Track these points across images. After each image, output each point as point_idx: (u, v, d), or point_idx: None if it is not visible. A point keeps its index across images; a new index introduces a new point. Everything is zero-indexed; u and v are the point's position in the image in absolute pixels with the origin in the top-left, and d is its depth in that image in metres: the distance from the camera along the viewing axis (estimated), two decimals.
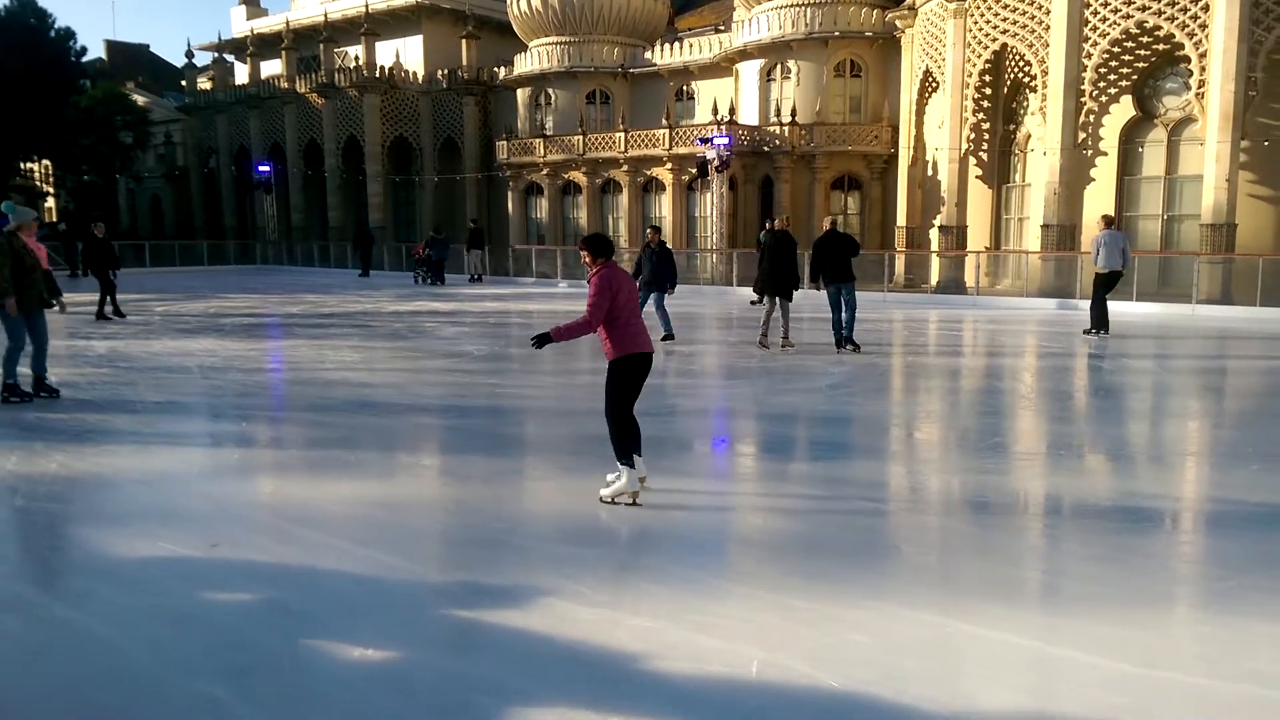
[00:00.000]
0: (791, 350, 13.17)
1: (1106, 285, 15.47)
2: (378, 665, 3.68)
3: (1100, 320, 15.46)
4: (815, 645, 3.79)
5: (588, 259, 5.68)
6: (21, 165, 56.00)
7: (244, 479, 6.86)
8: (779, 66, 33.10)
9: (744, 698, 3.38)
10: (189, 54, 52.31)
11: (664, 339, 13.75)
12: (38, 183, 58.51)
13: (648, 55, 37.73)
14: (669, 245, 15.97)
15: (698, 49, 36.46)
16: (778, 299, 13.22)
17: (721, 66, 35.64)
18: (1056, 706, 3.29)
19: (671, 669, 3.58)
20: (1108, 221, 15.78)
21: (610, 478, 5.76)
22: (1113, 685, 3.46)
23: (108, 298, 18.11)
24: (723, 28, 37.45)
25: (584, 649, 3.77)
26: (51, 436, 7.80)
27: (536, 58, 38.35)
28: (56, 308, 9.92)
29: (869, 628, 3.96)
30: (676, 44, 37.40)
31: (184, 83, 53.24)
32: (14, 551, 5.10)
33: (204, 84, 52.70)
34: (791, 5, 31.94)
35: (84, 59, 53.82)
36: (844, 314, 13.16)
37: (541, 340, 5.49)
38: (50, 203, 60.45)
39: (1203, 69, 21.58)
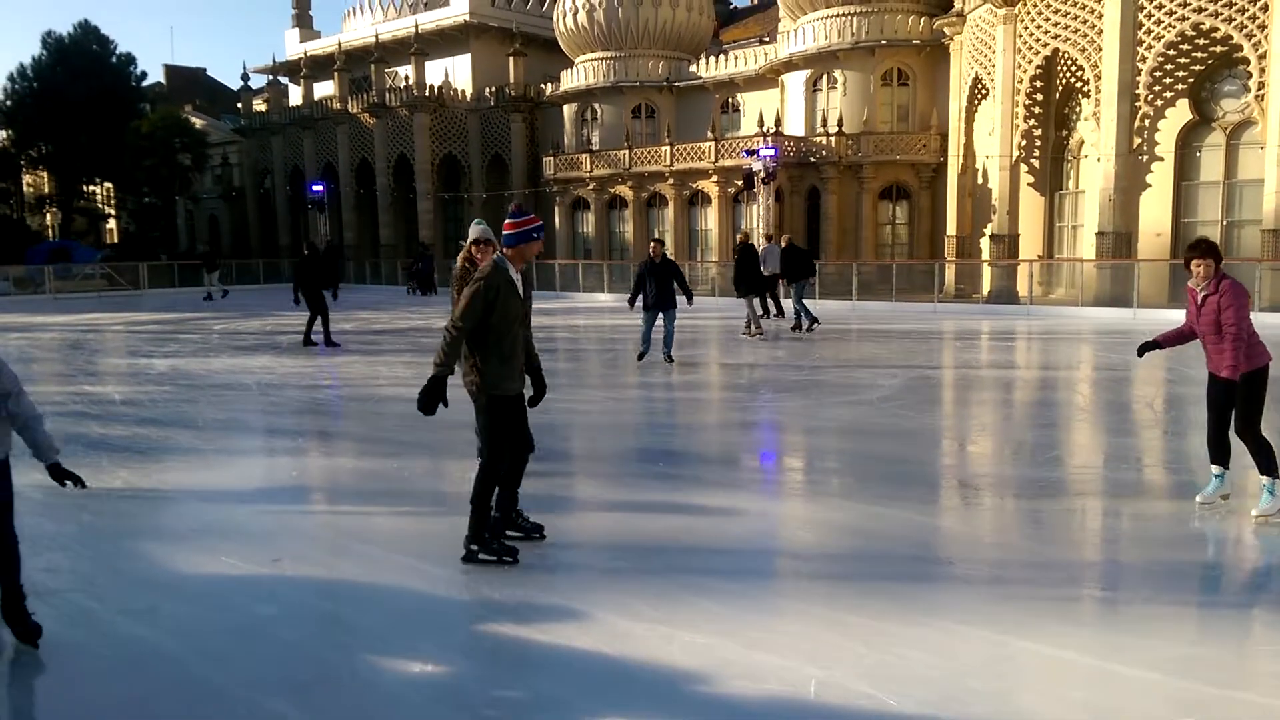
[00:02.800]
0: (760, 337, 16.59)
1: (771, 286, 19.99)
2: (435, 680, 3.72)
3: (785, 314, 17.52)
4: (873, 663, 3.76)
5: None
6: (85, 187, 57.84)
7: (302, 494, 6.99)
8: (825, 76, 32.97)
9: (804, 717, 3.36)
10: (244, 77, 53.63)
11: (666, 359, 13.09)
12: (100, 204, 60.33)
13: (693, 68, 37.84)
14: (671, 258, 14.68)
15: (743, 61, 36.47)
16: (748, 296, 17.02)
17: (767, 78, 35.61)
18: (1108, 713, 3.23)
19: (729, 688, 3.57)
20: (768, 238, 21.44)
21: None
22: (1179, 704, 3.38)
23: (317, 319, 16.14)
24: (768, 39, 37.44)
25: (640, 665, 3.78)
26: (115, 453, 8.01)
27: (582, 73, 38.66)
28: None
29: (927, 645, 3.91)
30: (721, 56, 37.46)
31: (240, 105, 54.60)
32: (82, 566, 5.24)
33: (259, 106, 53.94)
34: (838, 15, 31.82)
35: (144, 83, 55.56)
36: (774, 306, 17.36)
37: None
38: (111, 224, 62.24)
39: (1262, 70, 21.07)
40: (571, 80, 39.20)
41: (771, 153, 28.43)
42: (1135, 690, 3.50)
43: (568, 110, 40.07)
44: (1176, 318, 20.45)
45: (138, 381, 12.54)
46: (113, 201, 59.28)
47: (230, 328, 21.15)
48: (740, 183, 31.21)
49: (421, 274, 34.30)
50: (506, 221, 4.92)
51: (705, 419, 10.37)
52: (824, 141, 32.31)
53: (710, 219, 35.39)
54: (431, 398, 4.66)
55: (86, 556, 5.44)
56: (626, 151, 36.34)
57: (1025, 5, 25.04)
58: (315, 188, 41.21)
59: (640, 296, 13.04)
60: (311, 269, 16.32)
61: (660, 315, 13.02)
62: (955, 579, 4.90)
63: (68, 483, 4.31)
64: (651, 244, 13.42)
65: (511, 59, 42.13)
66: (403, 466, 7.51)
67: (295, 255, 44.33)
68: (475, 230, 6.01)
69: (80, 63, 50.39)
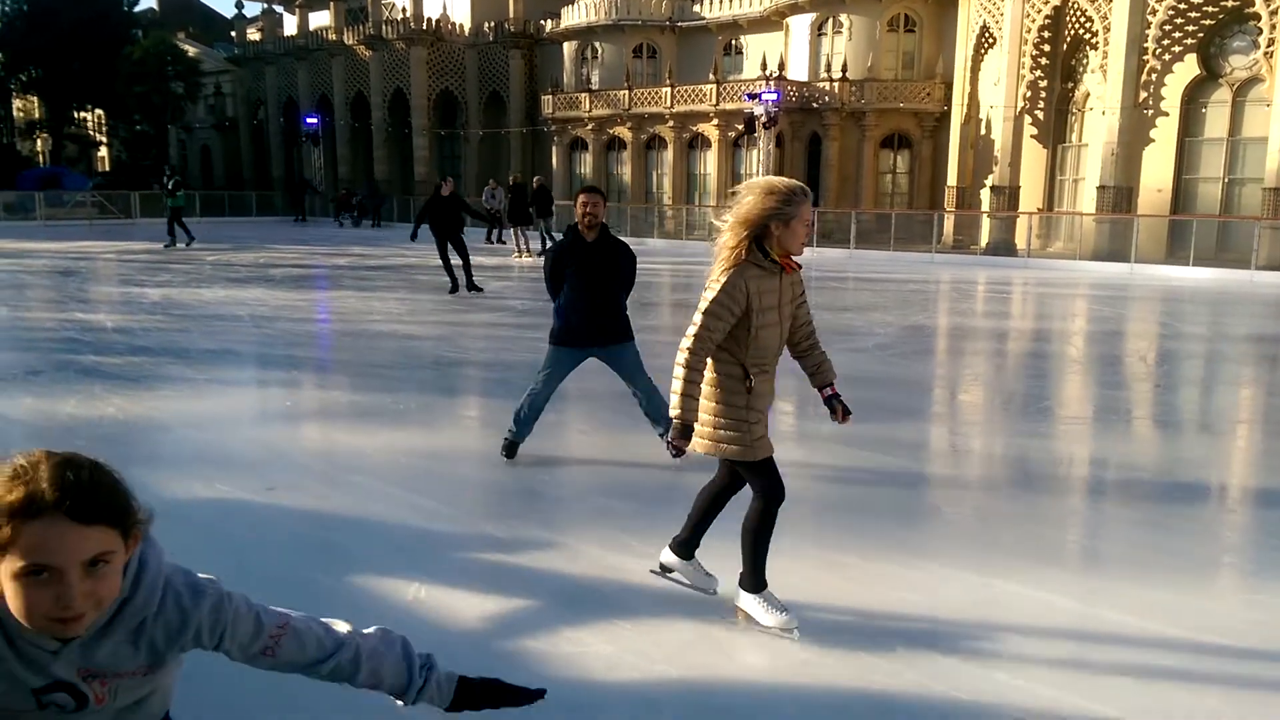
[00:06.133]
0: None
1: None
2: (429, 606, 3.77)
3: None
4: (860, 602, 3.82)
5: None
6: (76, 114, 56.97)
7: (294, 425, 7.01)
8: (830, 20, 32.43)
9: (790, 649, 3.42)
10: (239, 4, 52.56)
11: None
12: (91, 132, 59.48)
13: (696, 8, 37.16)
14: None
15: (747, 2, 35.82)
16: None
17: (771, 20, 35.00)
18: (1098, 663, 3.29)
19: (715, 621, 3.62)
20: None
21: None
22: (1152, 645, 3.45)
23: (463, 265, 14.46)
24: None
25: (628, 596, 3.83)
26: (108, 380, 8.00)
27: (583, 10, 37.95)
28: None
29: (914, 586, 3.97)
30: None
31: (234, 33, 53.54)
32: None
33: (253, 35, 52.95)
34: None
35: (136, 8, 54.44)
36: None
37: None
38: (103, 151, 61.43)
39: (1273, 26, 20.79)
40: (572, 17, 38.49)
41: (774, 97, 28.07)
42: (1113, 631, 3.56)
43: (568, 48, 39.41)
44: (1174, 274, 20.49)
45: (130, 310, 12.49)
46: (104, 129, 58.46)
47: (223, 259, 21.01)
48: (741, 127, 30.87)
49: (360, 206, 37.52)
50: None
51: None
52: (827, 87, 31.89)
53: (710, 163, 35.04)
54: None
55: None
56: (626, 92, 35.84)
57: None
58: (309, 120, 40.64)
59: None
60: (443, 211, 14.49)
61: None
62: (943, 523, 4.96)
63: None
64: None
65: None
66: (396, 400, 7.52)
67: (288, 188, 43.94)
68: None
69: None
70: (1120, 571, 4.20)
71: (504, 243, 25.36)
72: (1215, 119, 23.53)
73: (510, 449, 5.59)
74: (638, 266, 5.77)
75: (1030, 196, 26.87)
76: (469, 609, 3.77)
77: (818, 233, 26.61)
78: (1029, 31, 25.26)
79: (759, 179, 3.49)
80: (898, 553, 4.34)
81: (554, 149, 38.89)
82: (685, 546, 3.81)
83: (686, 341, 3.34)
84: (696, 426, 3.43)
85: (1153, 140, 23.79)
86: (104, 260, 20.98)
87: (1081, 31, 25.30)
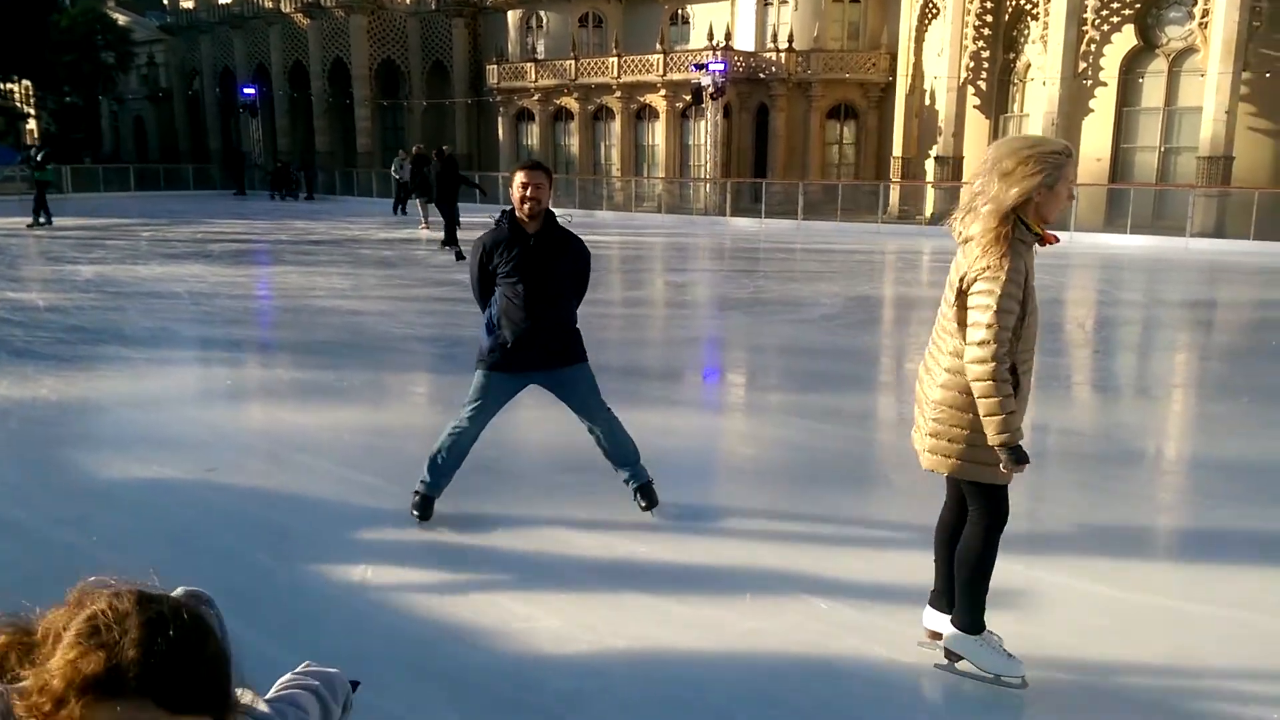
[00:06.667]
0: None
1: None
2: (375, 586, 3.73)
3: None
4: (807, 570, 3.86)
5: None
6: (2, 86, 54.81)
7: (236, 405, 6.87)
8: None
9: (736, 619, 3.44)
10: None
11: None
12: (18, 103, 57.31)
13: None
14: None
15: None
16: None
17: None
18: (1039, 625, 3.37)
19: (666, 593, 3.64)
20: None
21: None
22: (1091, 605, 3.54)
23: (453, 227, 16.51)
24: None
25: (578, 571, 3.83)
26: (42, 361, 7.77)
27: None
28: None
29: (860, 553, 4.02)
30: None
31: (165, 1, 51.80)
32: (11, 476, 5.11)
33: (186, 3, 51.27)
34: None
35: None
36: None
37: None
38: (31, 124, 59.28)
39: None
40: None
41: (721, 67, 27.99)
42: (1053, 593, 3.65)
43: (512, 17, 38.80)
44: (1112, 243, 20.88)
45: (63, 289, 12.11)
46: (32, 100, 56.35)
47: (159, 235, 20.46)
48: (689, 98, 30.76)
49: (288, 180, 36.91)
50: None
51: (648, 335, 10.38)
52: (774, 58, 31.86)
53: (658, 134, 34.86)
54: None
55: (13, 466, 5.30)
56: (573, 62, 35.43)
57: None
58: (246, 91, 39.56)
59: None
60: (449, 176, 16.47)
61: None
62: (891, 490, 5.03)
63: None
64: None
65: None
66: (341, 377, 7.41)
67: (226, 161, 42.78)
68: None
69: None
70: (1059, 534, 4.30)
71: (407, 214, 24.98)
72: (1152, 89, 23.98)
73: (424, 507, 4.30)
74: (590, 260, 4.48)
75: (974, 166, 26.79)
76: (417, 587, 3.74)
77: (765, 205, 26.72)
78: (971, 2, 25.46)
79: (1009, 140, 2.98)
80: (843, 521, 4.39)
81: (500, 120, 38.38)
82: (946, 596, 3.15)
83: (982, 352, 2.72)
84: (937, 442, 2.94)
85: (1092, 110, 24.19)
86: (34, 236, 20.28)
87: (1023, 2, 25.55)
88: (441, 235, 16.64)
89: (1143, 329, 11.01)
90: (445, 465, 4.31)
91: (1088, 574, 3.80)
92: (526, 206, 4.10)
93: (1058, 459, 5.78)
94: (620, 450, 4.38)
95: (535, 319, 4.15)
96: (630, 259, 18.34)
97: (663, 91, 33.78)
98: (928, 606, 3.24)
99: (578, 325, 4.39)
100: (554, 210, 4.29)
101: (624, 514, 4.38)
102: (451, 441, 4.31)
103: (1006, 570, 3.84)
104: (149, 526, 4.31)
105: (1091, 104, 24.16)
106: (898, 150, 29.41)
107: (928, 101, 28.56)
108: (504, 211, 4.25)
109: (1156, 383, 8.18)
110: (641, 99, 34.82)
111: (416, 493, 4.33)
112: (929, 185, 27.33)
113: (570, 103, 36.31)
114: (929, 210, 26.64)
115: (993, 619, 3.09)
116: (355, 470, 5.06)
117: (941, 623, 3.13)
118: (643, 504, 4.34)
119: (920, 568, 3.87)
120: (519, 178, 4.14)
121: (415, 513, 4.30)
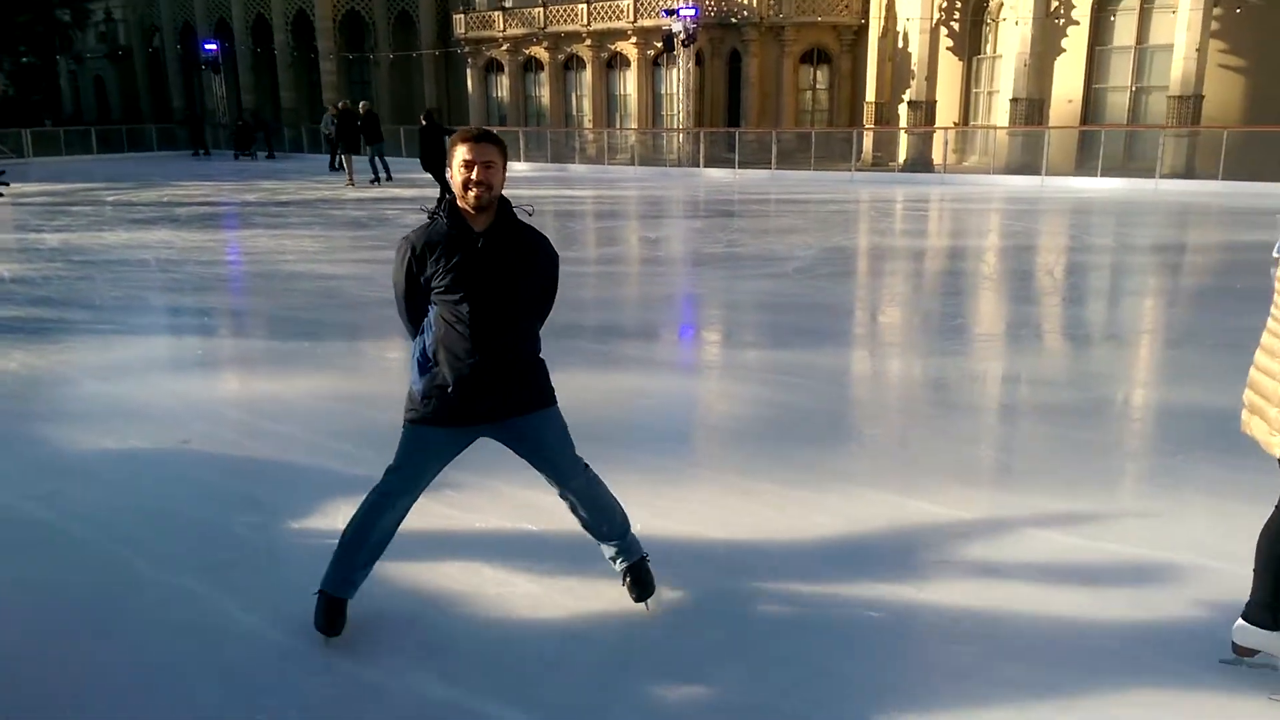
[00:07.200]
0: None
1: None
2: None
3: None
4: (782, 527, 3.92)
5: None
6: None
7: (209, 374, 6.83)
8: None
9: (712, 577, 3.50)
10: None
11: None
12: None
13: None
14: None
15: None
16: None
17: None
18: (1008, 575, 3.45)
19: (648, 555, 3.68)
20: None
21: None
22: (1056, 552, 3.63)
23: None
24: None
25: (554, 537, 3.86)
26: (8, 334, 7.67)
27: None
28: None
29: (834, 509, 4.08)
30: None
31: None
32: None
33: None
34: None
35: None
36: None
37: None
38: None
39: None
40: None
41: (692, 12, 27.60)
42: (1021, 543, 3.73)
43: None
44: (1083, 186, 20.97)
45: (28, 258, 11.91)
46: None
47: (124, 199, 20.10)
48: (660, 44, 30.36)
49: (250, 139, 36.24)
50: None
51: (623, 293, 10.37)
52: (746, 1, 31.45)
53: (630, 83, 34.45)
54: None
55: None
56: (541, 10, 34.84)
57: None
58: (208, 47, 38.69)
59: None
60: (435, 139, 16.39)
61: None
62: (864, 445, 5.10)
63: None
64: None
65: None
66: (316, 344, 7.37)
67: (188, 120, 41.89)
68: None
69: None
70: (1029, 484, 4.38)
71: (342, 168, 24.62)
72: (1124, 27, 23.90)
73: (331, 614, 3.07)
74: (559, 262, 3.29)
75: (947, 110, 27.10)
76: (395, 554, 3.76)
77: (739, 155, 26.55)
78: None
79: None
80: (817, 477, 4.45)
81: (469, 72, 37.77)
82: (1269, 611, 2.77)
83: None
84: (1262, 422, 2.68)
85: (1064, 50, 24.10)
86: None
87: None
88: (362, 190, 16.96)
89: (1111, 275, 11.11)
90: (364, 553, 3.13)
91: (1053, 523, 3.88)
92: (472, 194, 2.89)
93: (1028, 410, 5.87)
94: (602, 519, 3.29)
95: (485, 351, 2.98)
96: (604, 214, 18.23)
97: (634, 39, 33.33)
98: (1240, 621, 2.82)
99: (541, 355, 3.18)
100: (508, 197, 3.04)
101: (597, 471, 4.41)
102: (372, 521, 3.13)
103: (972, 521, 3.93)
104: (122, 500, 4.30)
105: (1064, 43, 24.07)
106: (871, 95, 29.26)
107: (901, 44, 28.35)
108: (445, 202, 3.01)
109: (1124, 329, 8.28)
110: (612, 47, 34.35)
111: (321, 592, 3.10)
112: (902, 131, 27.23)
113: (540, 52, 35.77)
114: (902, 157, 26.58)
115: (958, 567, 3.15)
116: (332, 439, 5.06)
117: (1250, 634, 2.80)
118: (634, 594, 3.25)
119: (895, 520, 3.94)
120: (460, 152, 2.89)
121: (320, 627, 3.06)
